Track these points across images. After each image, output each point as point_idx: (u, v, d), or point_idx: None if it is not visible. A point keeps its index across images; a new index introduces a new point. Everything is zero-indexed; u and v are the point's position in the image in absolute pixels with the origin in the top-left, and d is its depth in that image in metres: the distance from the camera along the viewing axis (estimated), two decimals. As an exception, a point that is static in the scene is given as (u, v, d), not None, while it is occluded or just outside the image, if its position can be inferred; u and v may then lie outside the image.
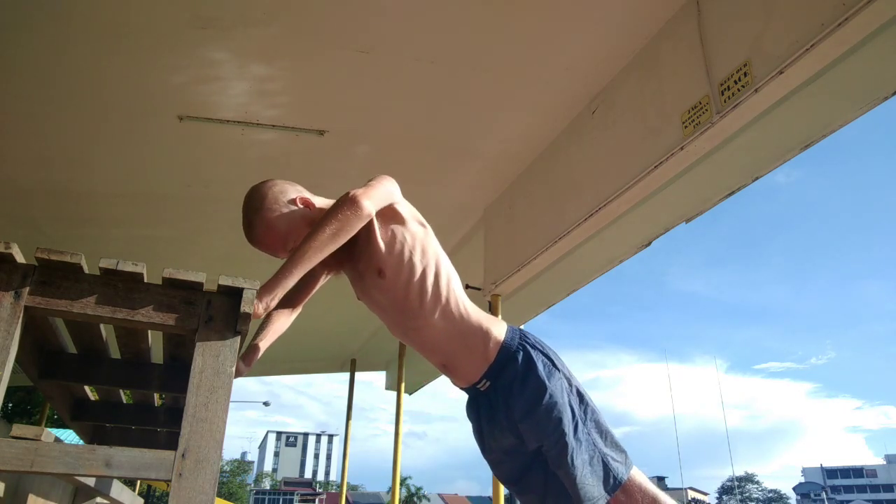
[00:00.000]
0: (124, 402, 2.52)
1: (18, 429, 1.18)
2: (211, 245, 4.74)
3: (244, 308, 1.31)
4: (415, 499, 50.42)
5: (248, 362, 1.50)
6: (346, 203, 1.42)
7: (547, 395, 1.51)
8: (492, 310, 3.48)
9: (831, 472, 76.24)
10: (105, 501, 3.06)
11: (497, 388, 1.58)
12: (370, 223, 1.51)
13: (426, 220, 1.65)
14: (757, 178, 2.62)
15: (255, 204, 1.57)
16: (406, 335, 1.62)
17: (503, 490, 3.54)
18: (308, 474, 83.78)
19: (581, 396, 1.60)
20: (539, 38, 2.65)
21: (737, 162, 2.61)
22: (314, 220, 1.50)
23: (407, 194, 1.66)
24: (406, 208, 1.60)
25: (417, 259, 1.54)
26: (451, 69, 2.84)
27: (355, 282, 1.66)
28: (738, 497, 68.41)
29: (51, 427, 7.88)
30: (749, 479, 72.50)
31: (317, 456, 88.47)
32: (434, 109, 3.18)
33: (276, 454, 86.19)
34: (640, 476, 1.57)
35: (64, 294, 1.27)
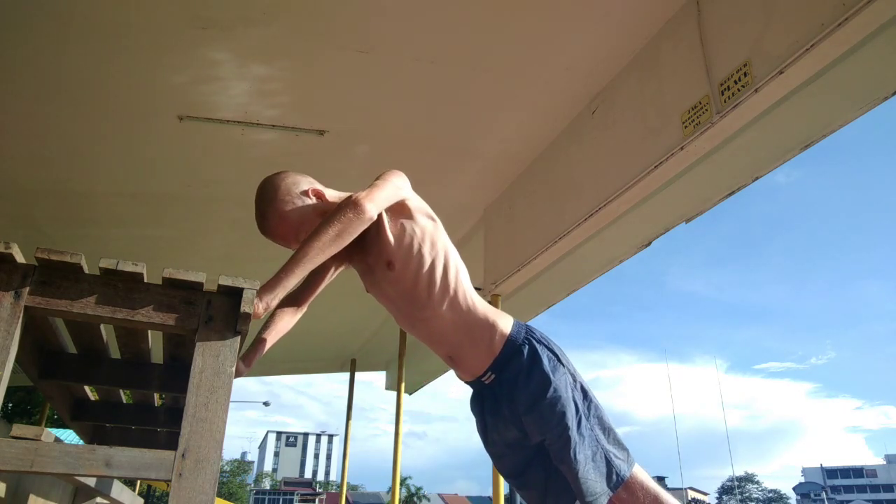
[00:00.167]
0: (124, 402, 2.52)
1: (18, 429, 1.18)
2: (211, 245, 4.74)
3: (244, 308, 1.31)
4: (415, 499, 50.42)
5: (249, 362, 1.50)
6: (350, 206, 1.43)
7: (551, 389, 1.52)
8: (492, 310, 3.47)
9: (831, 472, 76.23)
10: (105, 501, 3.06)
11: (502, 381, 1.59)
12: (379, 217, 1.53)
13: None
14: (757, 178, 2.62)
15: (267, 195, 1.58)
16: (413, 326, 1.63)
17: (503, 490, 3.53)
18: (308, 474, 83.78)
19: (585, 393, 1.61)
20: (539, 38, 2.65)
21: (737, 162, 2.61)
22: (326, 212, 1.52)
23: (407, 194, 1.66)
24: (416, 203, 1.61)
25: (427, 251, 1.56)
26: (451, 69, 2.84)
27: (364, 274, 1.67)
28: (738, 497, 68.41)
29: (51, 427, 7.88)
30: (749, 479, 72.51)
31: (317, 456, 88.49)
32: (434, 109, 3.18)
33: (276, 454, 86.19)
34: (642, 474, 1.58)
35: (64, 294, 1.27)
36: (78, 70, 2.84)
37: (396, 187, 1.56)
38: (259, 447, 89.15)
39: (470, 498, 64.93)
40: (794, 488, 74.10)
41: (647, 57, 2.60)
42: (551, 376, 1.53)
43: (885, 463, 74.78)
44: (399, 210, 1.57)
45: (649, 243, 3.24)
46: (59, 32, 2.61)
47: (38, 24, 2.55)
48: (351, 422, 7.19)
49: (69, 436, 6.28)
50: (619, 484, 1.53)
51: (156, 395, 2.49)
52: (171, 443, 1.68)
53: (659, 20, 2.51)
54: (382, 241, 1.55)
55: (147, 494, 13.24)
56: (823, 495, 70.24)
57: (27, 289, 1.25)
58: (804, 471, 78.75)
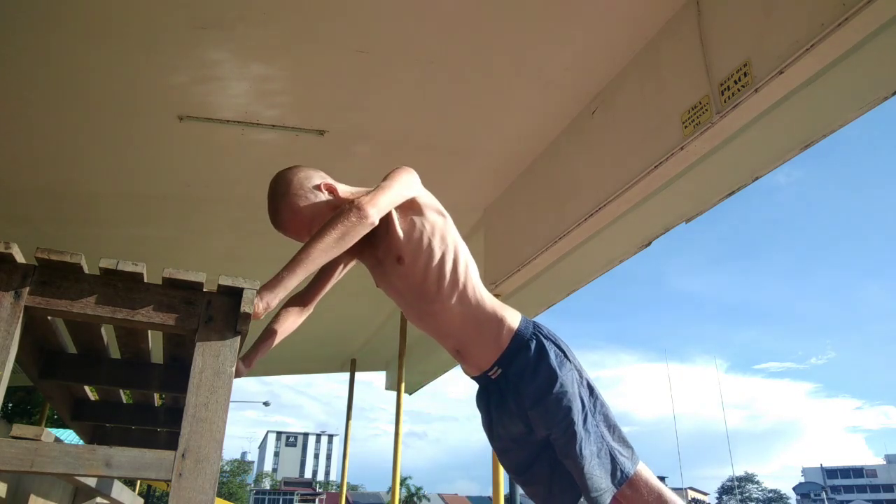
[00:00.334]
0: (124, 402, 2.52)
1: (18, 429, 1.18)
2: (211, 245, 4.74)
3: (244, 308, 1.31)
4: (415, 499, 50.42)
5: (249, 363, 1.50)
6: (353, 211, 1.44)
7: (558, 384, 1.53)
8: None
9: (831, 472, 76.22)
10: (105, 501, 3.06)
11: (508, 375, 1.60)
12: (389, 214, 1.54)
13: None
14: (757, 178, 2.62)
15: (280, 190, 1.58)
16: (422, 319, 1.64)
17: (503, 490, 3.54)
18: (308, 474, 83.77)
19: (591, 389, 1.61)
20: (539, 38, 2.65)
21: (737, 162, 2.61)
22: (338, 207, 1.53)
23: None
24: (426, 199, 1.61)
25: (436, 245, 1.57)
26: (451, 69, 2.84)
27: (374, 268, 1.68)
28: (738, 497, 68.41)
29: (51, 427, 7.88)
30: (749, 479, 72.51)
31: (317, 456, 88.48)
32: (434, 109, 3.18)
33: (276, 454, 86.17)
34: (646, 472, 1.58)
35: (64, 294, 1.27)
36: (78, 70, 2.84)
37: (404, 186, 1.57)
38: (259, 447, 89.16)
39: (470, 498, 64.93)
40: (794, 488, 74.11)
41: (647, 57, 2.60)
42: (558, 371, 1.54)
43: (885, 463, 74.76)
44: (409, 206, 1.58)
45: (649, 243, 3.24)
46: (60, 33, 2.61)
47: (38, 24, 2.55)
48: (351, 422, 7.19)
49: (69, 436, 6.28)
50: (624, 481, 1.53)
51: (156, 395, 2.49)
52: (171, 443, 1.68)
53: (659, 20, 2.51)
54: (392, 237, 1.56)
55: (147, 494, 13.24)
56: (823, 495, 70.24)
57: (27, 289, 1.25)
58: (804, 471, 78.75)
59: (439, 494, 63.68)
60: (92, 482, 2.53)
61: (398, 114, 3.21)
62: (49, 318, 1.61)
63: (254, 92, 3.00)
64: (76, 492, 2.93)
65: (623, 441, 1.60)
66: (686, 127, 2.29)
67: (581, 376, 1.60)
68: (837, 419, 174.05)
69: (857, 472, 75.66)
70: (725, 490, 70.44)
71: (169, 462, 1.21)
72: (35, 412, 9.97)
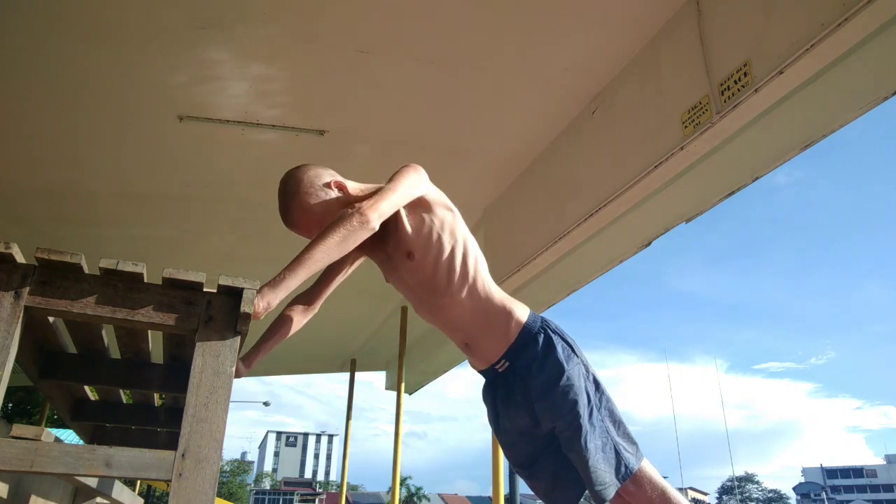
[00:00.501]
0: (124, 402, 2.52)
1: (18, 429, 1.18)
2: (211, 245, 4.74)
3: (244, 308, 1.31)
4: (415, 499, 50.43)
5: (249, 364, 1.50)
6: (355, 215, 1.44)
7: (565, 377, 1.54)
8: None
9: (831, 472, 76.21)
10: (105, 501, 3.06)
11: (515, 368, 1.61)
12: (397, 212, 1.55)
13: None
14: (757, 178, 2.62)
15: (290, 188, 1.59)
16: (431, 313, 1.65)
17: (503, 490, 3.54)
18: (308, 474, 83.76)
19: (597, 384, 1.62)
20: (539, 38, 2.65)
21: (737, 162, 2.60)
22: (348, 204, 1.54)
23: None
24: (434, 196, 1.62)
25: (446, 240, 1.58)
26: (450, 69, 2.84)
27: (383, 263, 1.69)
28: (738, 497, 68.42)
29: (51, 427, 7.88)
30: (749, 479, 72.50)
31: (317, 456, 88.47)
32: (434, 109, 3.18)
33: (276, 454, 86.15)
34: (650, 469, 1.59)
35: (64, 294, 1.27)
36: (78, 70, 2.84)
37: (410, 187, 1.57)
38: (259, 447, 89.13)
39: (470, 498, 64.93)
40: (794, 488, 74.11)
41: (647, 57, 2.60)
42: (565, 365, 1.55)
43: (885, 463, 74.76)
44: (417, 203, 1.59)
45: (649, 243, 3.24)
46: (59, 33, 2.61)
47: (38, 25, 2.55)
48: (351, 422, 7.20)
49: (69, 436, 6.28)
50: (628, 476, 1.54)
51: (156, 395, 2.49)
52: (171, 443, 1.68)
53: (659, 20, 2.51)
54: (401, 234, 1.58)
55: (147, 494, 13.24)
56: (823, 495, 70.24)
57: (27, 289, 1.25)
58: (804, 471, 78.74)
59: (439, 494, 63.68)
60: (92, 482, 2.53)
61: (398, 114, 3.21)
62: (49, 318, 1.61)
63: (254, 92, 3.00)
64: (76, 492, 2.93)
65: (628, 437, 1.61)
66: (686, 127, 2.29)
67: (587, 371, 1.62)
68: (837, 419, 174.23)
69: (857, 472, 75.65)
70: (725, 490, 70.45)
71: (169, 462, 1.20)
72: (35, 412, 9.98)
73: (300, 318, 1.64)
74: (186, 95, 3.00)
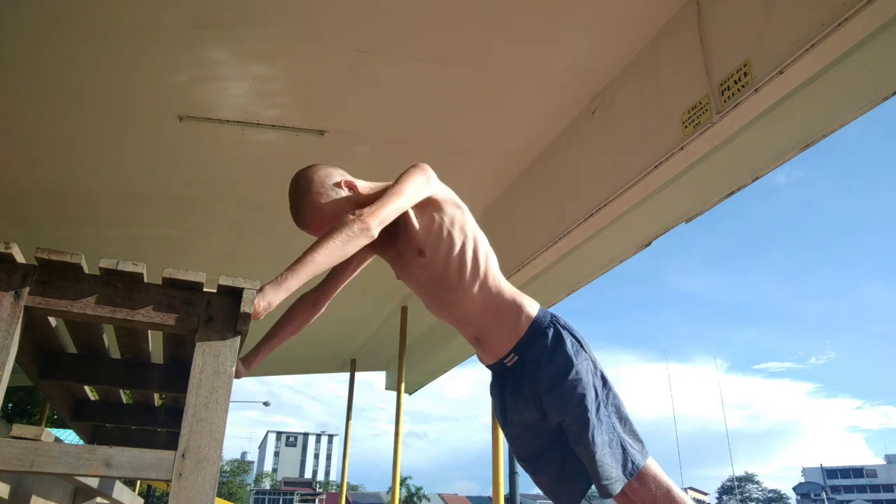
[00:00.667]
0: (124, 402, 2.52)
1: (18, 429, 1.18)
2: (211, 245, 4.74)
3: (244, 308, 1.31)
4: (415, 499, 50.42)
5: (249, 365, 1.51)
6: (357, 221, 1.45)
7: (573, 372, 1.55)
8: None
9: (831, 472, 76.18)
10: (105, 501, 3.06)
11: (524, 362, 1.62)
12: (405, 213, 1.57)
13: None
14: (757, 178, 2.62)
15: (302, 188, 1.60)
16: (442, 308, 1.66)
17: (503, 490, 3.54)
18: (308, 474, 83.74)
19: (605, 381, 1.63)
20: (539, 38, 2.65)
21: (737, 162, 2.60)
22: (359, 203, 1.56)
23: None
24: (442, 194, 1.64)
25: (456, 236, 1.60)
26: (450, 69, 2.84)
27: (394, 261, 1.70)
28: (738, 497, 68.41)
29: (51, 427, 7.88)
30: (749, 479, 72.45)
31: (317, 456, 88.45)
32: (434, 109, 3.18)
33: (276, 454, 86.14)
34: (655, 466, 1.59)
35: (64, 294, 1.27)
36: (77, 70, 2.84)
37: (414, 191, 1.57)
38: (259, 447, 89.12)
39: (470, 498, 64.92)
40: (794, 488, 74.07)
41: (647, 57, 2.60)
42: (574, 359, 1.57)
43: (885, 463, 74.73)
44: (426, 203, 1.60)
45: (649, 243, 3.24)
46: (59, 33, 2.61)
47: (37, 25, 2.55)
48: (351, 422, 7.19)
49: (69, 436, 6.28)
50: (634, 472, 1.55)
51: (156, 395, 2.49)
52: (171, 443, 1.68)
53: (659, 20, 2.51)
54: (411, 232, 1.59)
55: (147, 494, 13.24)
56: (823, 495, 70.23)
57: (27, 289, 1.25)
58: (804, 471, 78.70)
59: (439, 494, 63.66)
60: (92, 482, 2.53)
61: (398, 114, 3.21)
62: (49, 318, 1.61)
63: (254, 92, 3.00)
64: (76, 492, 2.93)
65: (634, 434, 1.61)
66: (686, 127, 2.29)
67: (595, 367, 1.63)
68: (837, 419, 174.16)
69: (857, 472, 75.62)
70: (725, 490, 70.42)
71: (169, 462, 1.21)
72: (35, 412, 9.98)
73: (306, 318, 1.65)
74: (186, 95, 3.00)
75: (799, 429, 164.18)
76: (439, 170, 1.67)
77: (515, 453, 1.75)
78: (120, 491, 2.97)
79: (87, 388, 2.32)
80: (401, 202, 1.53)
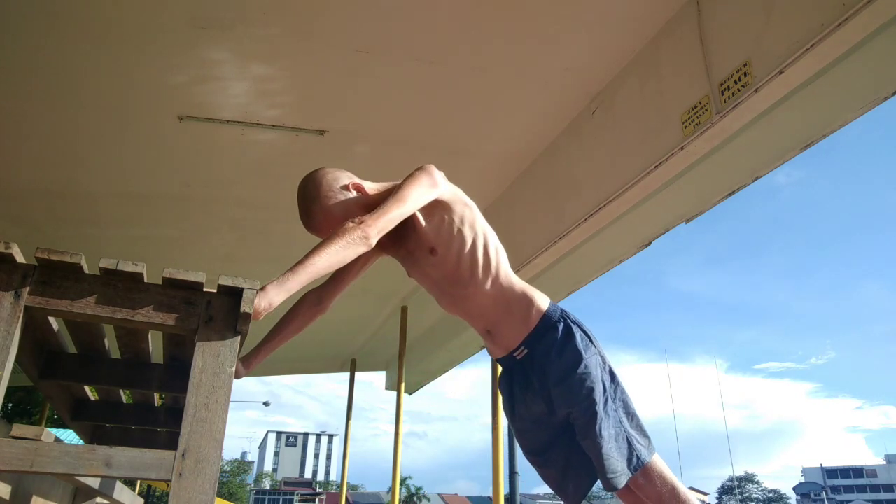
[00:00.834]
0: (124, 402, 2.52)
1: (18, 429, 1.18)
2: (211, 245, 4.74)
3: (244, 308, 1.31)
4: (415, 499, 50.42)
5: (249, 366, 1.51)
6: (358, 229, 1.46)
7: (582, 365, 1.57)
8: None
9: (831, 472, 76.17)
10: (105, 502, 3.06)
11: (534, 355, 1.64)
12: (413, 214, 1.58)
13: None
14: (757, 178, 2.62)
15: (311, 192, 1.61)
16: (454, 304, 1.69)
17: (503, 490, 3.54)
18: (308, 474, 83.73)
19: (613, 376, 1.65)
20: (539, 38, 2.65)
21: (737, 162, 2.61)
22: (367, 205, 1.57)
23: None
24: (449, 195, 1.65)
25: (467, 233, 1.62)
26: (450, 69, 2.84)
27: (404, 259, 1.72)
28: (738, 497, 68.39)
29: (51, 427, 7.88)
30: (749, 479, 72.44)
31: (317, 456, 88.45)
32: (434, 109, 3.18)
33: (276, 454, 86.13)
34: (661, 463, 1.60)
35: (64, 294, 1.27)
36: (77, 70, 2.84)
37: (419, 196, 1.57)
38: (259, 447, 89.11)
39: (470, 498, 64.91)
40: (794, 488, 74.06)
41: (647, 57, 2.60)
42: (583, 353, 1.58)
43: (885, 463, 74.72)
44: (434, 205, 1.61)
45: (649, 243, 3.24)
46: (59, 33, 2.61)
47: (37, 24, 2.55)
48: (351, 422, 7.19)
49: (69, 436, 6.28)
50: (639, 467, 1.55)
51: (156, 395, 2.49)
52: (171, 443, 1.68)
53: (659, 20, 2.50)
54: (420, 232, 1.61)
55: (147, 494, 13.24)
56: (823, 495, 70.21)
57: (27, 289, 1.25)
58: (804, 471, 78.69)
59: (439, 494, 63.66)
60: (92, 482, 2.53)
61: (398, 114, 3.21)
62: (49, 318, 1.61)
63: (254, 92, 3.00)
64: (76, 492, 2.93)
65: (641, 429, 1.62)
66: (686, 127, 2.29)
67: (604, 362, 1.64)
68: (837, 419, 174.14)
69: (857, 472, 75.61)
70: (725, 490, 70.41)
71: (169, 462, 1.20)
72: (35, 412, 9.98)
73: (310, 316, 1.66)
74: (186, 95, 3.00)
75: (799, 429, 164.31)
76: (439, 170, 1.68)
77: (522, 446, 1.76)
78: (120, 491, 2.97)
79: (87, 388, 2.32)
80: (402, 209, 1.53)
